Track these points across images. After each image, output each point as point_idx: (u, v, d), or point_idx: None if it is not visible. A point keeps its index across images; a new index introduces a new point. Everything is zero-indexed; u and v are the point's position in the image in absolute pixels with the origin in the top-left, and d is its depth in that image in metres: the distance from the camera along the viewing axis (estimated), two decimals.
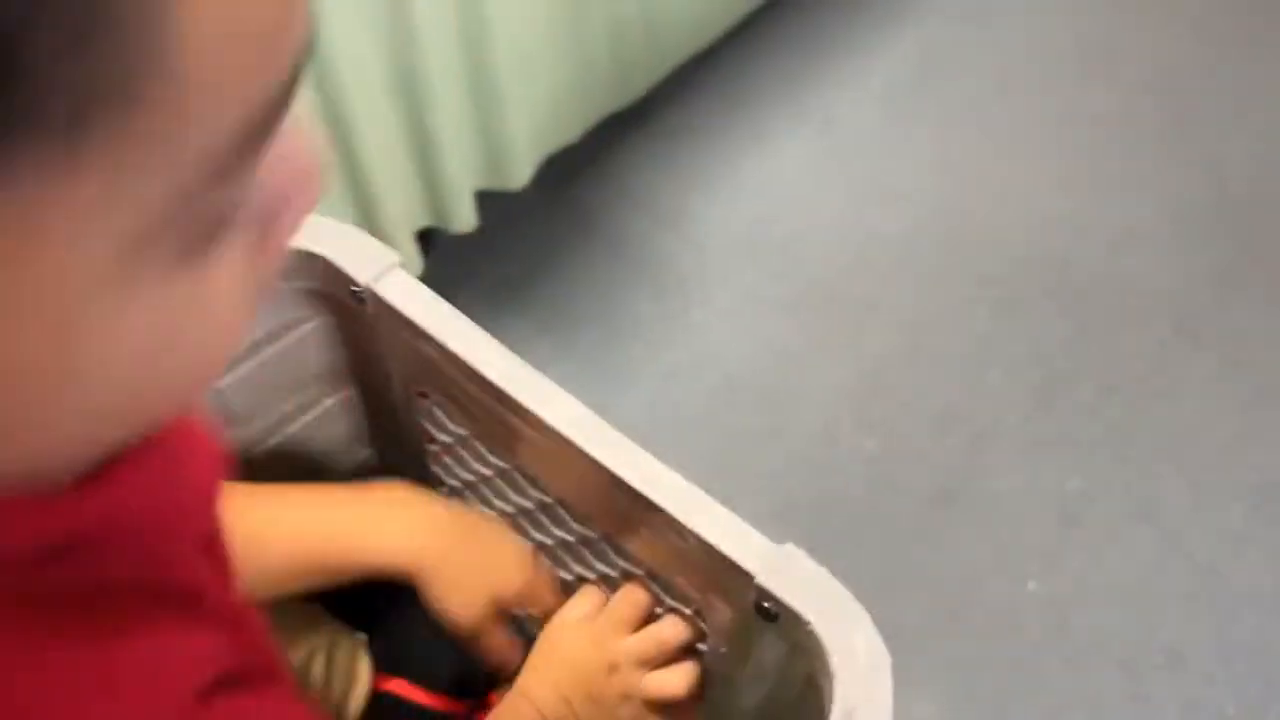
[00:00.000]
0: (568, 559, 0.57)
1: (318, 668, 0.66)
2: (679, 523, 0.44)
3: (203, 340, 0.22)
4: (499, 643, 0.56)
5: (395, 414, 0.60)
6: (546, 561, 0.57)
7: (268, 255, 0.24)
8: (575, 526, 0.53)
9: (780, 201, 1.39)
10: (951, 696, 1.05)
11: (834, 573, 0.42)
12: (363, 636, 0.67)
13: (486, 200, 1.10)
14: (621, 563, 0.52)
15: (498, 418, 0.48)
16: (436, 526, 0.53)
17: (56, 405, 0.20)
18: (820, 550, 0.43)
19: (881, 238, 1.35)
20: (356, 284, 0.49)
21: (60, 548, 0.23)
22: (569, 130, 1.12)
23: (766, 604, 0.43)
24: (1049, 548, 1.12)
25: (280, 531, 0.52)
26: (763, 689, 0.49)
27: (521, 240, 1.29)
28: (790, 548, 0.43)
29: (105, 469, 0.23)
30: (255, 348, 0.54)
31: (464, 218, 1.05)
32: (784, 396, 1.21)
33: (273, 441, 0.60)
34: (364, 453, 0.68)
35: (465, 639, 0.55)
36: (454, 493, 0.63)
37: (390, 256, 0.50)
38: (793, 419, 1.19)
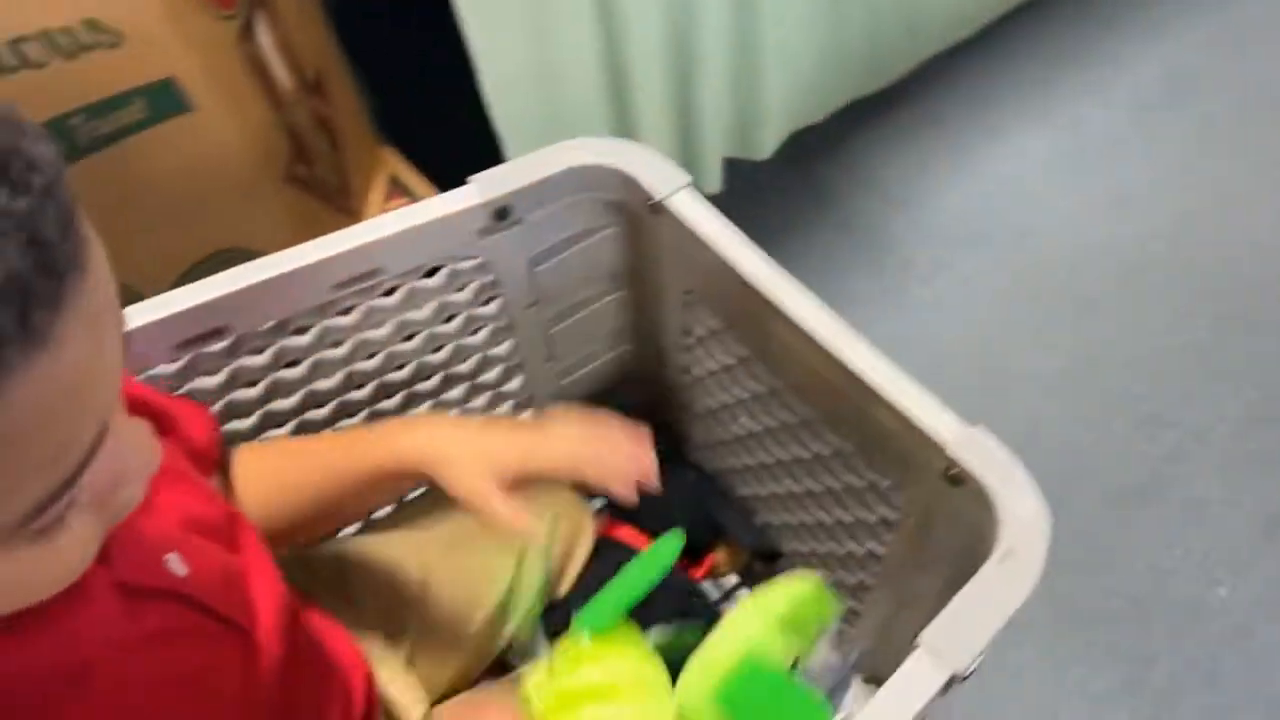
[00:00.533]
0: (787, 440, 0.69)
1: (545, 523, 0.80)
2: (890, 402, 0.55)
3: (51, 571, 0.33)
4: (506, 511, 0.55)
5: (659, 312, 0.75)
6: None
7: (111, 510, 0.35)
8: (798, 409, 0.66)
9: (1013, 196, 1.45)
10: (1127, 682, 1.08)
11: None
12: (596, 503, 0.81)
13: (730, 166, 1.24)
14: (834, 440, 0.64)
15: (753, 314, 0.62)
16: (442, 426, 0.58)
17: None
18: None
19: (1111, 241, 1.38)
20: (653, 197, 0.64)
21: None
22: (818, 109, 1.23)
23: (954, 470, 0.54)
24: (1244, 558, 1.13)
25: (311, 462, 0.59)
26: (938, 552, 0.60)
27: (758, 207, 1.42)
28: (978, 429, 0.54)
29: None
30: (567, 244, 0.71)
31: (710, 180, 1.17)
32: (992, 382, 1.27)
33: (564, 324, 0.76)
34: (624, 347, 0.84)
35: (477, 511, 0.55)
36: (696, 381, 0.77)
37: (683, 177, 0.64)
38: (998, 404, 1.24)
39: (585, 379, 0.85)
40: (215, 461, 0.57)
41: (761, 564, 0.88)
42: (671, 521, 0.83)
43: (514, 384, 0.80)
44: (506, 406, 0.82)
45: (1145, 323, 1.30)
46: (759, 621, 0.60)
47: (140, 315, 0.58)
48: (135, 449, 0.35)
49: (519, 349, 0.76)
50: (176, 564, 0.48)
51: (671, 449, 0.90)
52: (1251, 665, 1.06)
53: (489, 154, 0.72)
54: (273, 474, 0.59)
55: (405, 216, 0.63)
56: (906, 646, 0.48)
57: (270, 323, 0.63)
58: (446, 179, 0.67)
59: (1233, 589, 1.12)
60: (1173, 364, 1.26)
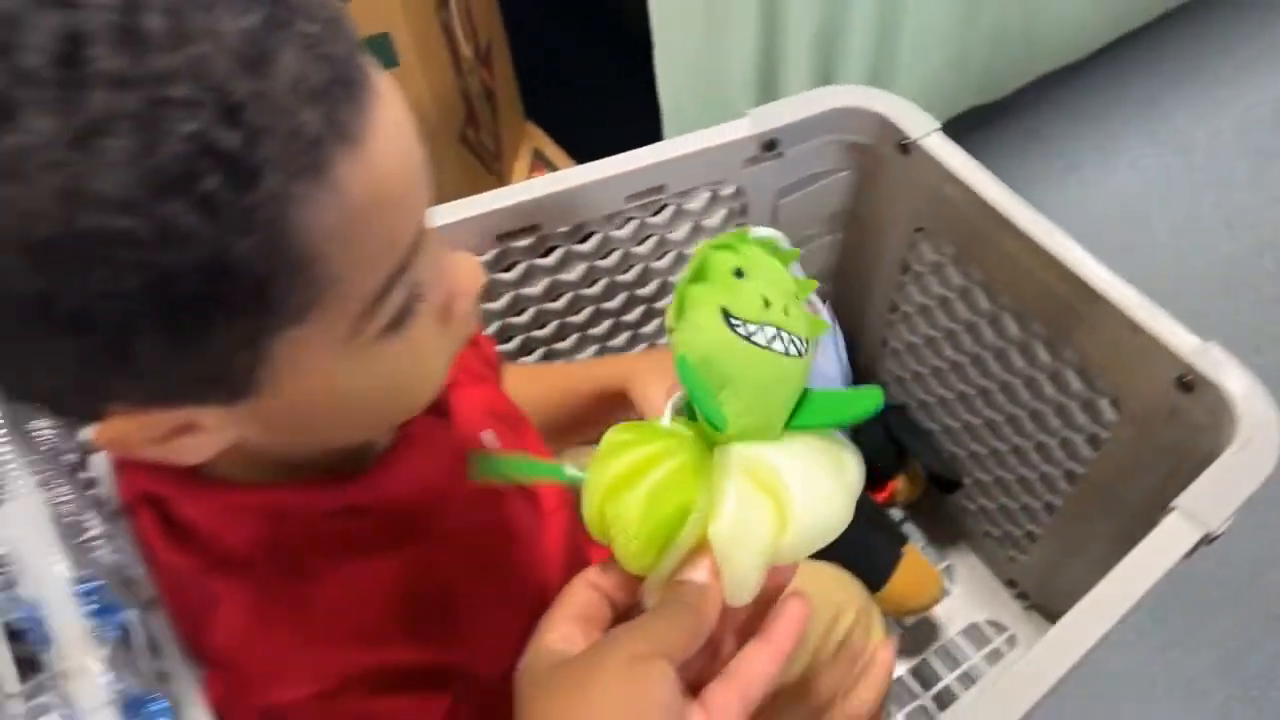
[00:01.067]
0: (997, 366, 0.78)
1: None
2: (1130, 315, 0.64)
3: (412, 374, 0.39)
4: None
5: (878, 252, 0.84)
6: None
7: (453, 325, 0.40)
8: (1018, 331, 0.74)
9: (1120, 212, 1.52)
10: (1220, 664, 1.15)
11: None
12: None
13: None
14: (1049, 361, 0.73)
15: (993, 241, 0.71)
16: (645, 356, 0.69)
17: (343, 416, 0.39)
18: None
19: (1218, 259, 1.45)
20: (909, 137, 0.73)
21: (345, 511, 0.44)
22: (938, 113, 1.32)
23: (1188, 377, 0.62)
24: None
25: (553, 382, 0.69)
26: (1145, 461, 0.68)
27: None
28: (1210, 344, 0.62)
29: (378, 461, 0.45)
30: (809, 181, 0.80)
31: None
32: None
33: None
34: (826, 287, 0.93)
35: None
36: (902, 317, 0.86)
37: (933, 121, 0.74)
38: None
39: None
40: (498, 373, 0.67)
41: (939, 494, 0.96)
42: (858, 444, 0.91)
43: None
44: None
45: (1251, 340, 1.38)
46: None
47: (470, 209, 0.68)
48: (461, 268, 0.41)
49: None
50: (490, 439, 0.58)
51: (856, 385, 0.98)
52: None
53: (637, 133, 0.81)
54: (525, 387, 0.67)
55: (688, 142, 0.73)
56: (1080, 576, 0.55)
57: (570, 225, 0.72)
58: (583, 154, 0.75)
59: None
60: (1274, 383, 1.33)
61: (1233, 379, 0.61)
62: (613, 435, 0.39)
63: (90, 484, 0.48)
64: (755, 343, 0.38)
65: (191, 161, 0.27)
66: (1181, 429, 0.65)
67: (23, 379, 0.32)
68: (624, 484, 0.37)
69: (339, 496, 0.44)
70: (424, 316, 0.38)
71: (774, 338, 0.39)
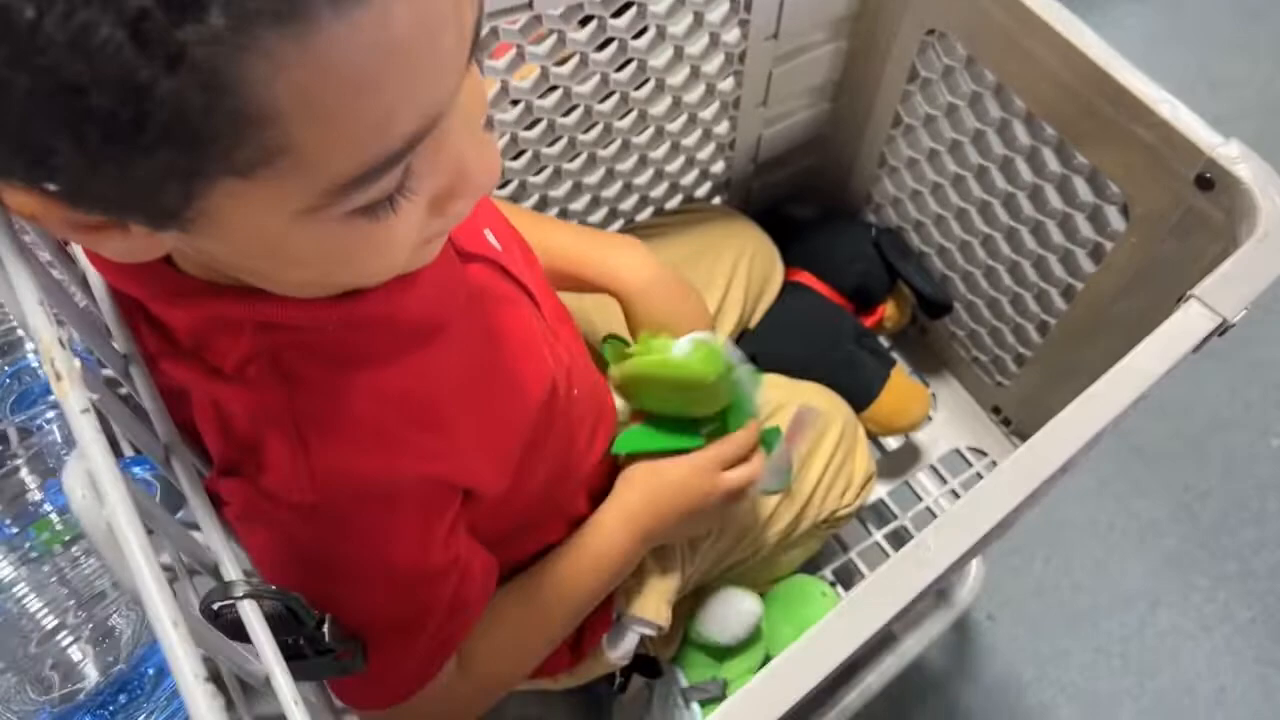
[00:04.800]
0: (1006, 175, 0.76)
1: (744, 263, 0.88)
2: (1154, 110, 0.62)
3: (373, 258, 0.35)
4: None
5: (884, 60, 0.80)
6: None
7: (445, 216, 0.37)
8: (1023, 140, 0.72)
9: None
10: (1174, 510, 1.20)
11: None
12: None
13: None
14: (1058, 169, 0.71)
15: (1013, 41, 0.67)
16: (650, 265, 0.68)
17: (283, 274, 0.36)
18: None
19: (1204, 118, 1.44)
20: None
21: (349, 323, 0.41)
22: None
23: (1208, 174, 0.61)
24: None
25: (539, 247, 0.64)
26: (1161, 273, 0.68)
27: None
28: (1231, 140, 0.60)
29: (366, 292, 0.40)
30: (787, 57, 0.76)
31: None
32: None
33: (785, 66, 0.81)
34: (823, 105, 0.89)
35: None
36: (906, 130, 0.83)
37: None
38: None
39: (783, 133, 0.90)
40: None
41: (926, 319, 0.96)
42: (849, 268, 0.90)
43: (723, 127, 0.85)
44: (708, 150, 0.87)
45: None
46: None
47: None
48: (480, 164, 0.36)
49: (740, 85, 0.81)
50: (492, 238, 0.56)
51: (848, 208, 0.96)
52: None
53: None
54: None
55: None
56: (1068, 400, 0.51)
57: (564, 7, 0.67)
58: None
59: None
60: None
61: (1254, 172, 0.59)
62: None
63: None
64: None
65: None
66: (1192, 232, 0.64)
67: None
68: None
69: (345, 311, 0.41)
70: (409, 206, 0.34)
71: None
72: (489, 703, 0.58)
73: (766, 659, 0.79)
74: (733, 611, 0.75)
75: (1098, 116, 0.65)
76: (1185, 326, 0.55)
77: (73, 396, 0.29)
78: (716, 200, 0.96)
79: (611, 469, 0.65)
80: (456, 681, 0.53)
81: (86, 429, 0.29)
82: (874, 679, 0.87)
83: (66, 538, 0.43)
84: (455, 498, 0.48)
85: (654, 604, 0.67)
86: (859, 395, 0.85)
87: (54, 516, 0.43)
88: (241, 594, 0.36)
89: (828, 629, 0.44)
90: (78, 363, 0.29)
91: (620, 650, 0.68)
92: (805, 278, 0.90)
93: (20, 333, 0.54)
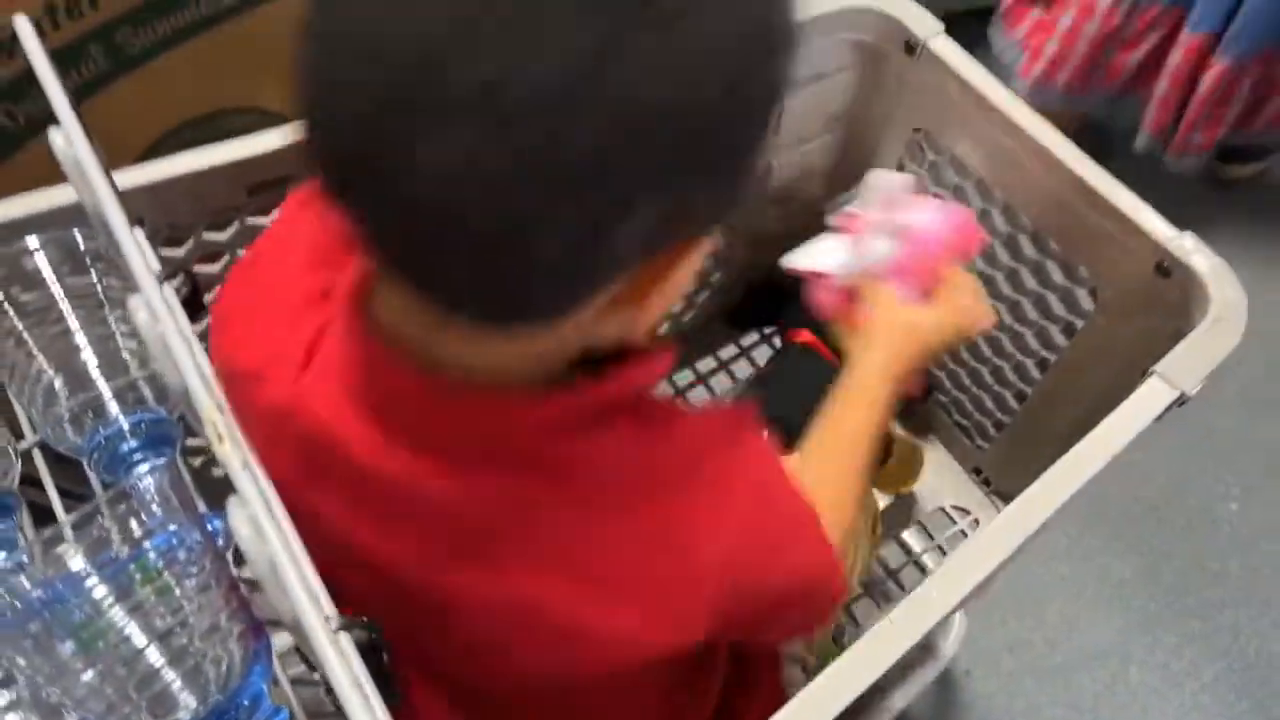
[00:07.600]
0: (994, 254, 0.84)
1: None
2: (1118, 208, 0.70)
3: (676, 290, 0.42)
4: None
5: (874, 151, 0.88)
6: None
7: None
8: (1003, 228, 0.80)
9: None
10: (1140, 569, 1.27)
11: None
12: None
13: None
14: (1034, 254, 0.79)
15: (992, 139, 0.76)
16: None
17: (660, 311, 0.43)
18: None
19: None
20: (917, 38, 0.77)
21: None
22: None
23: (1167, 262, 0.69)
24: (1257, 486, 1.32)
25: None
26: (1127, 346, 0.75)
27: None
28: (1185, 234, 0.69)
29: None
30: (806, 82, 0.84)
31: None
32: None
33: (793, 156, 0.89)
34: (820, 189, 0.97)
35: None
36: None
37: (939, 24, 0.78)
38: None
39: (780, 213, 0.98)
40: None
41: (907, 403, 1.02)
42: (830, 361, 0.96)
43: None
44: None
45: None
46: None
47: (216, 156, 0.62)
48: None
49: None
50: None
51: None
52: (1256, 570, 1.26)
53: None
54: None
55: None
56: (1044, 461, 0.59)
57: None
58: None
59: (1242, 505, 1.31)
60: None
61: (1204, 263, 0.67)
62: None
63: None
64: None
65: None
66: (1152, 314, 0.72)
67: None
68: None
69: (619, 386, 0.44)
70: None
71: None
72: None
73: None
74: None
75: (1069, 210, 0.74)
76: (1149, 399, 0.62)
77: (233, 455, 0.35)
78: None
79: None
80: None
81: (247, 481, 0.34)
82: None
83: (170, 582, 0.47)
84: None
85: None
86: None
87: (154, 557, 0.48)
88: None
89: (836, 674, 0.49)
90: (238, 430, 0.35)
91: None
92: (807, 337, 0.97)
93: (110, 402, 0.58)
